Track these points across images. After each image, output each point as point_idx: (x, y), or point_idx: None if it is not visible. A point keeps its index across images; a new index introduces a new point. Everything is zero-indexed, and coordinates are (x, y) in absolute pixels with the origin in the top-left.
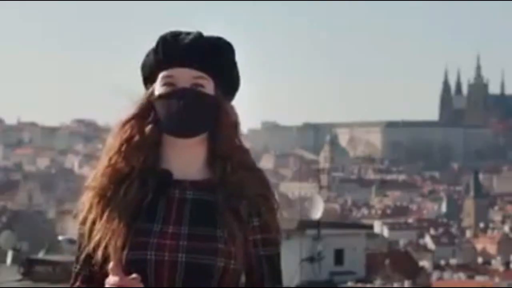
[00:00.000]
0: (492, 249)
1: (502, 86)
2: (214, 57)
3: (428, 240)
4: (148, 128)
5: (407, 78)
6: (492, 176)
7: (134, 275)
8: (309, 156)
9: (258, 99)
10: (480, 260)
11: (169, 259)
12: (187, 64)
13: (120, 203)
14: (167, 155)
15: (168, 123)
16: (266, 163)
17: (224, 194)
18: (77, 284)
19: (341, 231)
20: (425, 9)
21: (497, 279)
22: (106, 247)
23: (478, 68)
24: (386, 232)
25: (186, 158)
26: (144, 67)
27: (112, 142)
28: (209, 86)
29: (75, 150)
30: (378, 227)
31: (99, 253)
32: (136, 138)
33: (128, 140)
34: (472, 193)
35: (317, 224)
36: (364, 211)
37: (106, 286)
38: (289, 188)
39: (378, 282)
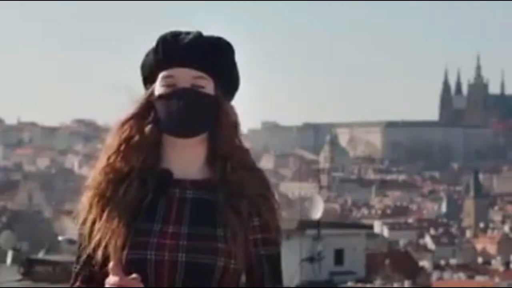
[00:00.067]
0: (492, 249)
1: (502, 86)
2: (214, 57)
3: (428, 240)
4: (147, 128)
5: (407, 78)
6: (492, 176)
7: (134, 275)
8: (309, 156)
9: (258, 99)
10: (480, 260)
11: (169, 259)
12: (187, 64)
13: (120, 203)
14: (167, 155)
15: (168, 123)
16: (266, 163)
17: (224, 193)
18: (77, 284)
19: (341, 231)
20: (425, 9)
21: (497, 279)
22: (106, 247)
23: (478, 68)
24: (386, 232)
25: (186, 158)
26: (144, 67)
27: (111, 142)
28: (209, 86)
29: (75, 150)
30: (378, 227)
31: (99, 253)
32: (136, 138)
33: (127, 139)
34: (472, 193)
35: (317, 224)
36: (364, 211)
37: (106, 286)
38: (289, 188)
39: (378, 282)
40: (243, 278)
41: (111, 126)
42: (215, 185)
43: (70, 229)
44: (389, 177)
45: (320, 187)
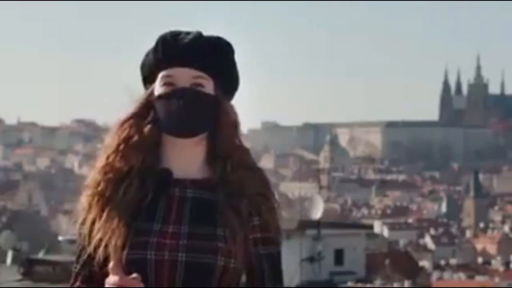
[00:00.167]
0: (492, 249)
1: (502, 86)
2: (214, 57)
3: (428, 240)
4: (147, 128)
5: (407, 78)
6: (492, 176)
7: (134, 275)
8: (309, 156)
9: (258, 99)
10: (480, 260)
11: (169, 258)
12: (186, 63)
13: (119, 203)
14: (166, 154)
15: (168, 123)
16: (266, 163)
17: (224, 193)
18: (77, 284)
19: (341, 231)
20: (425, 9)
21: (497, 279)
22: (106, 247)
23: (478, 68)
24: (386, 232)
25: (186, 158)
26: (143, 67)
27: (110, 141)
28: (209, 86)
29: (75, 150)
30: (378, 227)
31: (99, 253)
32: (135, 137)
33: (127, 139)
34: (472, 193)
35: (317, 224)
36: (364, 211)
37: (106, 286)
38: (289, 188)
39: (378, 282)
40: (244, 278)
41: (111, 126)
42: (215, 185)
43: (65, 227)
44: (389, 177)
45: (320, 187)
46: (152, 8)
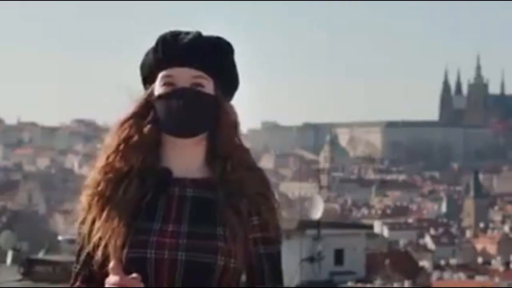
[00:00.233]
0: (492, 249)
1: (502, 86)
2: (214, 57)
3: (428, 240)
4: (146, 128)
5: (407, 78)
6: (492, 176)
7: (134, 275)
8: (309, 156)
9: (258, 99)
10: (480, 260)
11: (169, 258)
12: (186, 63)
13: (119, 202)
14: (166, 154)
15: (168, 123)
16: (266, 163)
17: (224, 192)
18: (77, 284)
19: (341, 231)
20: (425, 9)
21: (497, 279)
22: (106, 246)
23: (478, 68)
24: (386, 232)
25: (186, 157)
26: (143, 67)
27: (110, 141)
28: (209, 86)
29: (75, 150)
30: (378, 227)
31: (99, 252)
32: (135, 137)
33: (126, 139)
34: (472, 193)
35: (317, 224)
36: (364, 211)
37: (107, 285)
38: (289, 188)
39: (378, 282)
40: (244, 278)
41: (111, 126)
42: (215, 184)
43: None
44: (389, 177)
45: (320, 187)
46: (152, 8)
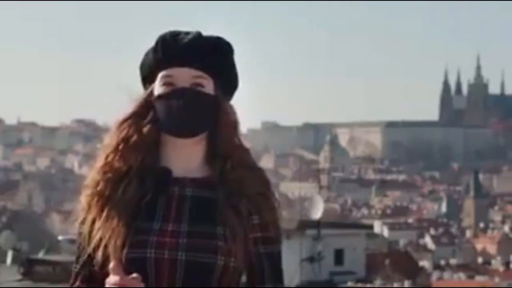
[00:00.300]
0: (492, 249)
1: (502, 86)
2: (214, 57)
3: (428, 240)
4: (146, 128)
5: (407, 78)
6: (492, 176)
7: (134, 275)
8: (309, 156)
9: (258, 99)
10: (480, 260)
11: (168, 257)
12: (186, 63)
13: (119, 202)
14: (166, 154)
15: (168, 122)
16: (266, 163)
17: (224, 191)
18: (77, 284)
19: (341, 231)
20: (425, 9)
21: (497, 279)
22: (106, 247)
23: (478, 68)
24: (386, 232)
25: (185, 157)
26: (143, 67)
27: (109, 141)
28: (208, 86)
29: (75, 150)
30: (378, 227)
31: (99, 252)
32: (134, 137)
33: (126, 139)
34: (472, 193)
35: (317, 224)
36: (364, 211)
37: (107, 286)
38: (289, 188)
39: (378, 282)
40: (244, 278)
41: (111, 126)
42: (215, 183)
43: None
44: (389, 177)
45: (320, 187)
46: (152, 8)
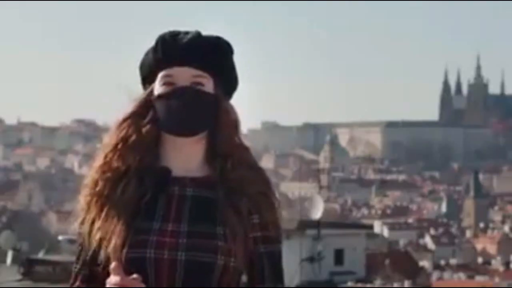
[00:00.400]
0: (492, 249)
1: (502, 86)
2: (213, 56)
3: (428, 240)
4: (146, 127)
5: (407, 78)
6: (492, 176)
7: (135, 275)
8: (309, 156)
9: (258, 99)
10: (480, 260)
11: (168, 257)
12: (186, 63)
13: (118, 202)
14: (166, 153)
15: (168, 122)
16: (266, 163)
17: (224, 191)
18: (77, 283)
19: (341, 231)
20: (425, 9)
21: (497, 279)
22: (106, 247)
23: (478, 68)
24: (386, 232)
25: (186, 156)
26: (143, 67)
27: (108, 141)
28: (209, 85)
29: (75, 150)
30: (378, 227)
31: (100, 253)
32: (133, 137)
33: (125, 138)
34: (472, 193)
35: (317, 224)
36: (364, 211)
37: (107, 286)
38: (289, 188)
39: (378, 282)
40: (244, 278)
41: (111, 126)
42: (215, 183)
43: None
44: (389, 177)
45: (320, 187)
46: (152, 8)
